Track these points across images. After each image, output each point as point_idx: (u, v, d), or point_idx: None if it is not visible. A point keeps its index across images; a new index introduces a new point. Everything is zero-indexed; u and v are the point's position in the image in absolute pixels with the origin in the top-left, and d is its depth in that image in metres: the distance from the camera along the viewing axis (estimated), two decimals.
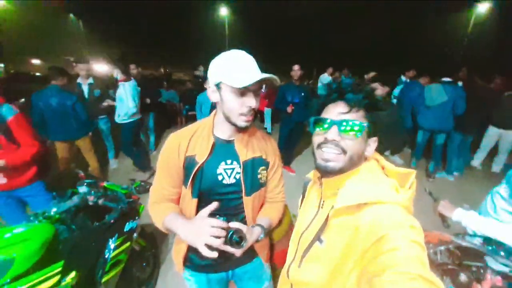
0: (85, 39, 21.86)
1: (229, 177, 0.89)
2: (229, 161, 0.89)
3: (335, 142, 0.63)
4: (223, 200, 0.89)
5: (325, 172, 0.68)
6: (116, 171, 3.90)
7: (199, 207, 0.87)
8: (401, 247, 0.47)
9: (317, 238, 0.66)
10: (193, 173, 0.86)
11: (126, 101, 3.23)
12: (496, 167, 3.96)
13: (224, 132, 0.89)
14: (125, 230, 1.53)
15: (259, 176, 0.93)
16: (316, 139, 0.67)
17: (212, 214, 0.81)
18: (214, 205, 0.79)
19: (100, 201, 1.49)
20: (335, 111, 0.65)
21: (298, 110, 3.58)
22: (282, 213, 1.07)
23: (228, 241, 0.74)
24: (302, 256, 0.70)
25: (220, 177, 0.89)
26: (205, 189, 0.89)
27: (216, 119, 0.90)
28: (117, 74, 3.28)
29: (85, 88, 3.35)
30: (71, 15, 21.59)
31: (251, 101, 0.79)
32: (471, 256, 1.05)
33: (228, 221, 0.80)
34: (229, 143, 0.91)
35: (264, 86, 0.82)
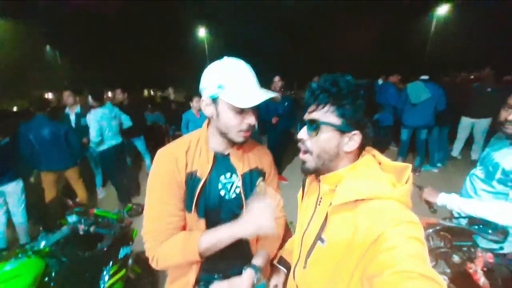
0: (63, 70, 21.57)
1: (229, 191, 0.85)
2: (228, 175, 0.85)
3: (302, 140, 0.66)
4: (226, 218, 0.83)
5: (305, 173, 0.69)
6: (104, 200, 3.75)
7: (207, 227, 0.82)
8: (399, 244, 0.46)
9: (319, 237, 0.65)
10: (198, 191, 0.79)
11: (90, 130, 3.04)
12: (475, 154, 4.17)
13: (219, 145, 0.84)
14: (119, 257, 1.48)
15: (258, 188, 0.89)
16: None
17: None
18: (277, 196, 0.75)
19: (92, 229, 1.44)
20: (307, 111, 0.66)
21: (282, 120, 3.68)
22: (282, 230, 0.99)
23: None
24: (307, 257, 0.68)
25: (222, 192, 0.84)
26: (211, 207, 0.82)
27: (210, 132, 0.85)
28: (91, 100, 3.18)
29: (72, 118, 3.30)
30: (47, 46, 21.37)
31: (251, 119, 0.77)
32: (461, 236, 1.09)
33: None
34: (226, 156, 0.86)
35: None
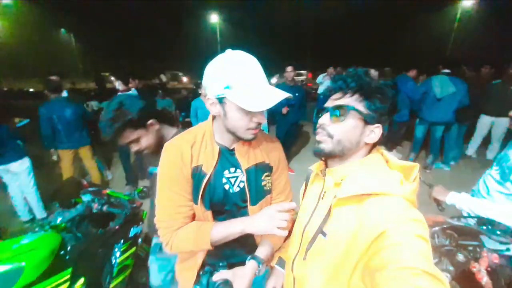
0: (77, 53, 21.93)
1: (233, 185, 0.85)
2: (232, 169, 0.84)
3: (323, 126, 0.66)
4: (230, 211, 0.87)
5: (317, 154, 0.68)
6: (112, 182, 3.89)
7: (214, 218, 0.85)
8: (404, 241, 0.46)
9: (320, 230, 0.65)
10: (203, 186, 0.80)
11: None
12: (491, 154, 4.02)
13: (225, 140, 0.84)
14: (130, 235, 1.55)
15: (263, 183, 0.88)
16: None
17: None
18: (292, 204, 0.77)
19: (105, 208, 1.51)
20: (331, 99, 0.67)
21: (293, 111, 3.63)
22: (291, 224, 1.01)
23: None
24: (307, 249, 0.69)
25: (226, 186, 0.84)
26: (215, 200, 0.84)
27: (215, 126, 0.84)
28: (119, 85, 3.40)
29: None
30: (62, 30, 21.70)
31: (260, 117, 0.75)
32: (467, 236, 1.08)
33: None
34: (231, 150, 0.86)
35: None
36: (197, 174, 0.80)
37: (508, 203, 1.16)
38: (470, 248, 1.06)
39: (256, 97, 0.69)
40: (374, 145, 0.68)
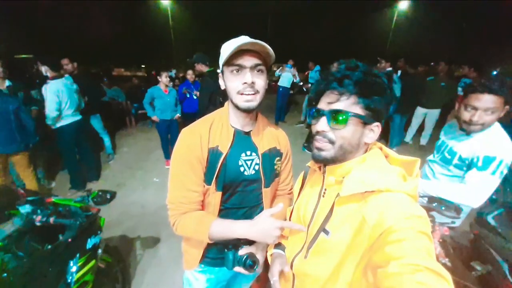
0: None
1: (249, 168, 0.89)
2: (248, 152, 0.89)
3: (324, 133, 0.62)
4: (243, 192, 0.91)
5: (318, 161, 0.67)
6: (54, 191, 3.27)
7: (223, 200, 0.89)
8: (407, 238, 0.46)
9: (322, 229, 0.64)
10: (219, 165, 0.83)
11: (46, 103, 2.70)
12: (423, 140, 4.70)
13: (238, 122, 0.88)
14: (87, 247, 1.35)
15: (275, 167, 0.94)
16: (312, 130, 0.67)
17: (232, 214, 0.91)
18: (279, 207, 0.76)
19: (51, 219, 1.28)
20: (325, 101, 0.63)
21: None
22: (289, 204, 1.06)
23: (242, 265, 0.77)
24: (308, 248, 0.68)
25: (241, 169, 0.88)
26: (229, 181, 0.87)
27: (229, 109, 0.88)
28: (46, 71, 2.75)
29: None
30: None
31: (246, 77, 0.76)
32: None
33: (248, 212, 0.92)
34: (246, 134, 0.90)
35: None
36: (213, 154, 0.84)
37: (451, 183, 1.36)
38: None
39: (230, 48, 0.72)
40: None
